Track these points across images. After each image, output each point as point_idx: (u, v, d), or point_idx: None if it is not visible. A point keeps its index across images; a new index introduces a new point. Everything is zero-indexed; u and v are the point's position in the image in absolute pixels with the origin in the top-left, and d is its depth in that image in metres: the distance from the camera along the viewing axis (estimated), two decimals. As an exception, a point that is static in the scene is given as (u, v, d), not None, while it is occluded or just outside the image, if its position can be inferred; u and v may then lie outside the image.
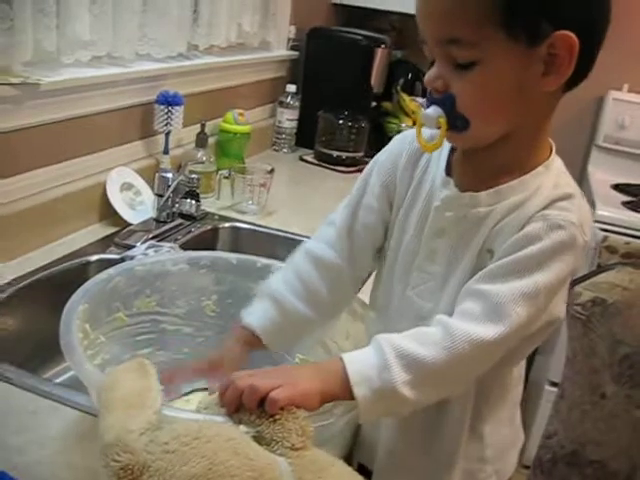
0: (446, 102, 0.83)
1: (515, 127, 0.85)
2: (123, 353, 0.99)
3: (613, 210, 2.45)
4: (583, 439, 1.39)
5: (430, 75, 0.84)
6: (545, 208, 0.84)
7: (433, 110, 0.84)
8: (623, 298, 1.30)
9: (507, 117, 0.84)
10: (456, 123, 0.84)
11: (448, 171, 0.93)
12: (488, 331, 0.79)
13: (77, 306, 0.89)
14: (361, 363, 0.79)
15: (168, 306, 1.05)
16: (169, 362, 1.04)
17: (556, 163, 0.90)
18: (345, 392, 0.78)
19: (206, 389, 0.99)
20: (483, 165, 0.89)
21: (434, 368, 0.79)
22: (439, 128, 0.85)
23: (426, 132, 0.91)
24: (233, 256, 1.08)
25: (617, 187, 2.74)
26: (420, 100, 2.71)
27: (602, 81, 2.91)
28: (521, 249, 0.82)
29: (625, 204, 2.53)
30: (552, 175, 0.88)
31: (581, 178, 3.03)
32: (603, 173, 2.86)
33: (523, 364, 1.02)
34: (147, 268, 1.02)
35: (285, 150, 2.54)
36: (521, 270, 0.81)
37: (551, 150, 0.91)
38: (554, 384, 2.33)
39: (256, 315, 0.97)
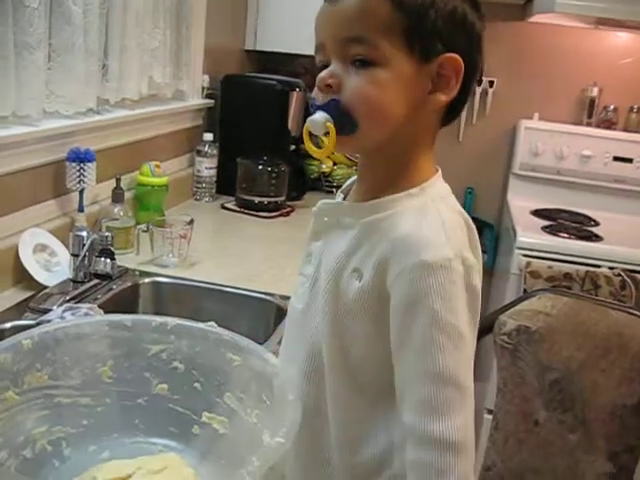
0: (331, 106, 0.85)
1: (396, 139, 0.87)
2: (17, 435, 0.91)
3: (534, 235, 2.50)
4: (521, 468, 1.39)
5: (323, 73, 0.86)
6: (411, 245, 0.82)
7: (319, 115, 0.85)
8: (546, 324, 1.31)
9: (393, 124, 0.86)
10: (344, 126, 0.85)
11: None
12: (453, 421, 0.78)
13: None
14: None
15: (61, 378, 0.96)
16: (68, 437, 0.96)
17: (435, 188, 0.89)
18: None
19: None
20: (365, 180, 0.93)
21: None
22: (326, 134, 0.85)
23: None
24: (128, 317, 1.03)
25: (536, 212, 2.80)
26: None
27: (515, 111, 3.03)
28: (415, 313, 0.81)
29: (544, 229, 2.59)
30: (425, 198, 0.87)
31: (502, 207, 3.11)
32: (522, 200, 2.93)
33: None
34: (35, 340, 0.95)
35: (206, 199, 2.52)
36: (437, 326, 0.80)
37: (435, 174, 0.91)
38: (491, 412, 2.34)
39: None
